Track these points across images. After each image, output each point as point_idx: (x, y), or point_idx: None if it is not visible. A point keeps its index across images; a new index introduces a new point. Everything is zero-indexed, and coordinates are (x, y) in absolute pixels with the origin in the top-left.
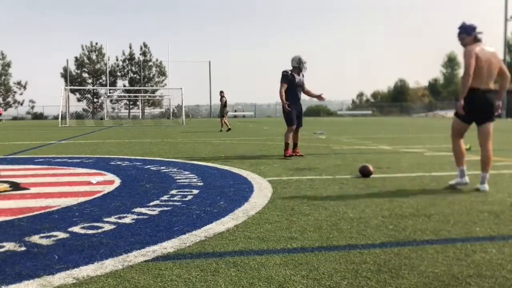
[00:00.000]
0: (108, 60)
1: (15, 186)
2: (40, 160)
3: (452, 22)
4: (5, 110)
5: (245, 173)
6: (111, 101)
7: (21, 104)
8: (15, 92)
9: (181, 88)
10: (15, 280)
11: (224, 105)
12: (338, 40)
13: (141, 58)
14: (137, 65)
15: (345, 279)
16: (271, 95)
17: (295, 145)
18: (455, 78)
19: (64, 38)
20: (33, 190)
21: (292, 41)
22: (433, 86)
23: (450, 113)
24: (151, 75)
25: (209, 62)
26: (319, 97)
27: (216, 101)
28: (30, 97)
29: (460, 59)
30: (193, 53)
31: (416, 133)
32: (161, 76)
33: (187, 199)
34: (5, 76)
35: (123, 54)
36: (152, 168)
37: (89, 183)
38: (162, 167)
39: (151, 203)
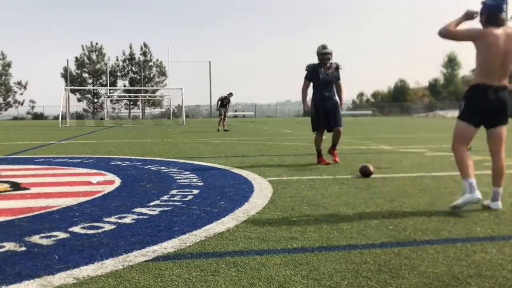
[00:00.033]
0: (109, 60)
1: (16, 186)
2: (40, 160)
3: None
4: (6, 110)
5: (245, 173)
6: (111, 101)
7: (21, 104)
8: (15, 92)
9: (181, 88)
10: (15, 280)
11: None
12: (338, 40)
13: (141, 58)
14: (137, 65)
15: (345, 279)
16: (271, 95)
17: (333, 145)
18: (455, 79)
19: (64, 38)
20: (33, 190)
21: (292, 41)
22: (433, 86)
23: (450, 113)
24: (152, 75)
25: (209, 62)
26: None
27: (216, 100)
28: (31, 97)
29: (460, 59)
30: (193, 53)
31: (417, 133)
32: (161, 76)
33: (187, 199)
34: (6, 76)
35: (123, 54)
36: (152, 168)
37: (90, 183)
38: (162, 167)
39: (152, 203)
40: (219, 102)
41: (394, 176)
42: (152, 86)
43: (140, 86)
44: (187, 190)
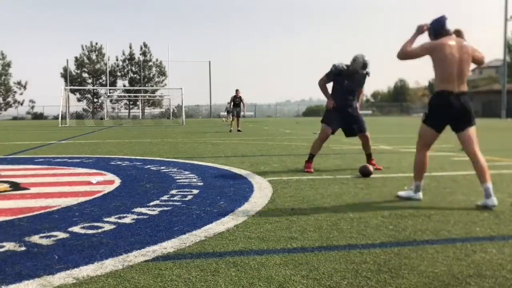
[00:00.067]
0: (108, 60)
1: (15, 186)
2: (40, 160)
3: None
4: (5, 110)
5: (245, 173)
6: (111, 101)
7: (21, 104)
8: (15, 92)
9: (181, 88)
10: (15, 280)
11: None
12: (338, 40)
13: (141, 58)
14: (137, 65)
15: (345, 279)
16: (271, 95)
17: (368, 156)
18: None
19: (64, 38)
20: (33, 190)
21: (292, 41)
22: (433, 86)
23: None
24: (151, 75)
25: (209, 62)
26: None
27: (216, 100)
28: (30, 97)
29: None
30: (193, 53)
31: (416, 133)
32: (161, 76)
33: (187, 199)
34: (5, 76)
35: (123, 54)
36: (152, 168)
37: (89, 183)
38: (162, 167)
39: (151, 203)
40: (232, 103)
41: (394, 176)
42: (152, 86)
43: (139, 86)
44: (187, 190)
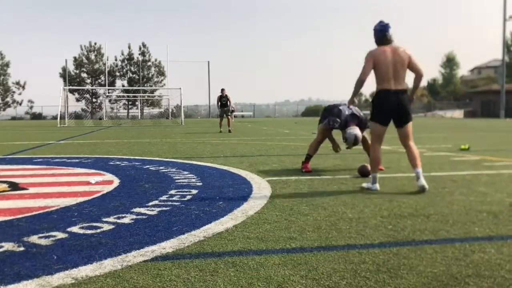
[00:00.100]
0: (107, 60)
1: (14, 186)
2: (39, 160)
3: (452, 22)
4: (4, 110)
5: (244, 173)
6: (110, 101)
7: (20, 104)
8: (13, 92)
9: (180, 88)
10: (14, 280)
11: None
12: (338, 40)
13: (140, 58)
14: (136, 65)
15: (344, 279)
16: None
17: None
18: (453, 78)
19: (63, 38)
20: (31, 190)
21: (292, 41)
22: (432, 86)
23: (449, 113)
24: (150, 75)
25: (208, 62)
26: None
27: (215, 101)
28: (29, 97)
29: (459, 59)
30: (192, 53)
31: (415, 133)
32: (160, 76)
33: (186, 199)
34: (4, 76)
35: (122, 54)
36: (151, 168)
37: (88, 183)
38: (161, 167)
39: (150, 203)
40: (219, 103)
41: (393, 176)
42: (151, 86)
43: (138, 86)
44: (185, 190)
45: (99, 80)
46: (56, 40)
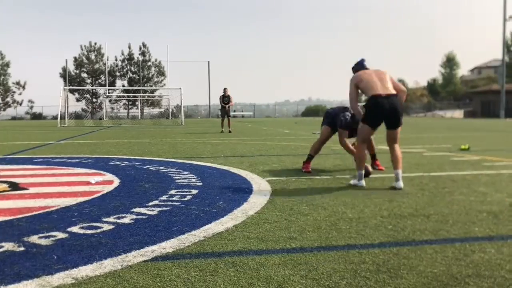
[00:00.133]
0: (107, 60)
1: (14, 186)
2: (39, 160)
3: (452, 22)
4: (4, 110)
5: (244, 173)
6: (110, 101)
7: (20, 104)
8: (14, 92)
9: (180, 88)
10: (14, 280)
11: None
12: (338, 40)
13: (140, 58)
14: (136, 65)
15: (344, 279)
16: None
17: (373, 156)
18: (453, 78)
19: (63, 38)
20: (32, 190)
21: (291, 41)
22: (432, 86)
23: (449, 113)
24: (150, 75)
25: (208, 62)
26: None
27: (215, 101)
28: (29, 97)
29: (459, 59)
30: (192, 53)
31: (415, 133)
32: (160, 76)
33: (186, 199)
34: (4, 76)
35: (122, 54)
36: (151, 168)
37: (88, 183)
38: (161, 167)
39: (150, 203)
40: (221, 103)
41: (393, 176)
42: (151, 86)
43: (139, 86)
44: (186, 190)
45: (99, 80)
46: (56, 40)
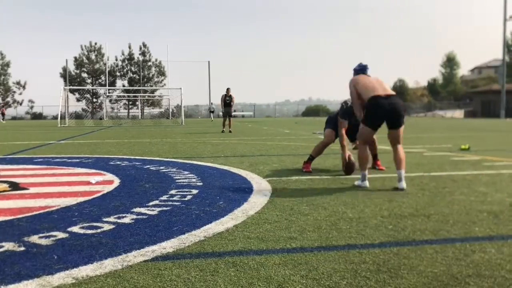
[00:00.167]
0: (107, 60)
1: (14, 186)
2: (39, 160)
3: (452, 22)
4: (5, 109)
5: (244, 173)
6: (110, 101)
7: (20, 104)
8: (14, 92)
9: (181, 88)
10: (14, 280)
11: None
12: (338, 40)
13: (141, 58)
14: (136, 65)
15: (344, 279)
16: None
17: (374, 157)
18: (454, 78)
19: (63, 38)
20: (32, 190)
21: (291, 41)
22: (432, 86)
23: (449, 113)
24: (151, 75)
25: (208, 62)
26: None
27: (215, 100)
28: (29, 97)
29: (459, 59)
30: (192, 53)
31: (415, 133)
32: (160, 76)
33: (186, 199)
34: (4, 76)
35: (122, 54)
36: (151, 168)
37: (89, 183)
38: (162, 167)
39: (151, 203)
40: (222, 103)
41: (393, 176)
42: (151, 86)
43: (139, 86)
44: (186, 190)
45: (100, 80)
46: (57, 40)
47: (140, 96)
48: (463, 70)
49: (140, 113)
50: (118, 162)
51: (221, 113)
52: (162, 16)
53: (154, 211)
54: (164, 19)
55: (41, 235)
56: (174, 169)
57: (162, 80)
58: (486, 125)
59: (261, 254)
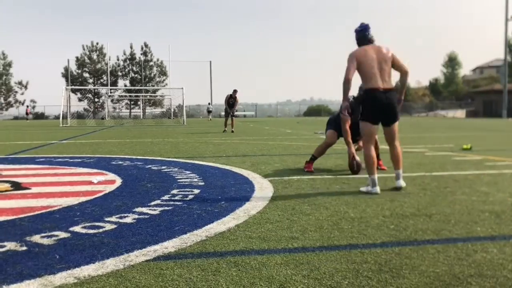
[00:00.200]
0: (109, 60)
1: (17, 186)
2: (41, 159)
3: (452, 22)
4: (6, 109)
5: (246, 173)
6: (112, 101)
7: (22, 104)
8: (16, 92)
9: (182, 88)
10: (16, 280)
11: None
12: (338, 40)
13: (142, 58)
14: (138, 65)
15: (346, 278)
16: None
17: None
18: (455, 78)
19: (65, 38)
20: (34, 189)
21: (292, 41)
22: (433, 86)
23: (451, 113)
24: (152, 75)
25: (210, 62)
26: None
27: (217, 100)
28: (31, 97)
29: (460, 59)
30: (193, 53)
31: (417, 132)
32: (162, 76)
33: (188, 198)
34: (6, 76)
35: (124, 54)
36: (153, 168)
37: (90, 182)
38: (163, 167)
39: (152, 203)
40: (226, 103)
41: (394, 176)
42: (153, 85)
43: (140, 86)
44: (188, 189)
45: (101, 80)
46: (58, 40)
47: (142, 96)
48: (465, 70)
49: (142, 113)
50: (120, 162)
51: (221, 113)
52: (164, 16)
53: (156, 211)
54: (166, 19)
55: (43, 234)
56: (176, 169)
57: (164, 80)
58: (488, 125)
59: (263, 254)
